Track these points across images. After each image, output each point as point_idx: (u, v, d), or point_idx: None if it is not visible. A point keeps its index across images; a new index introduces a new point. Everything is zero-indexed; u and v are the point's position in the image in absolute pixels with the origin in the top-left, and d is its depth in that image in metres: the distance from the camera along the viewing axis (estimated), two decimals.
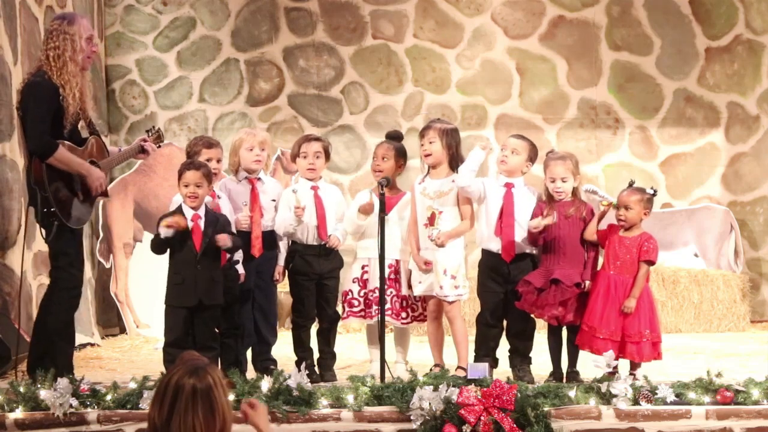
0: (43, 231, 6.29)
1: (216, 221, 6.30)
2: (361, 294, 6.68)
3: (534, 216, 6.44)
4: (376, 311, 6.46)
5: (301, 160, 6.73)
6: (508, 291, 6.51)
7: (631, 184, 6.41)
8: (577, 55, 10.25)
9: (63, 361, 6.27)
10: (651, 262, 6.27)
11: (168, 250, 6.28)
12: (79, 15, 6.58)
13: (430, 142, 6.59)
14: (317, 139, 6.80)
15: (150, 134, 6.71)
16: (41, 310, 6.40)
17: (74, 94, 6.25)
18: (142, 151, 6.62)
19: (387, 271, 6.52)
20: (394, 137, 6.82)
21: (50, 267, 6.38)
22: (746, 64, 10.21)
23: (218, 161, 6.63)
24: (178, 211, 6.29)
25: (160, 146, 6.81)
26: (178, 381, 3.55)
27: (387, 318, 6.54)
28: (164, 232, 6.16)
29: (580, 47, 10.25)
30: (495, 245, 6.54)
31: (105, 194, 6.54)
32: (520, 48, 10.27)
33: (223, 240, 6.20)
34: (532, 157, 6.61)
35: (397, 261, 6.67)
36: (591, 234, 6.33)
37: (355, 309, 6.70)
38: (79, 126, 6.47)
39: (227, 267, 6.43)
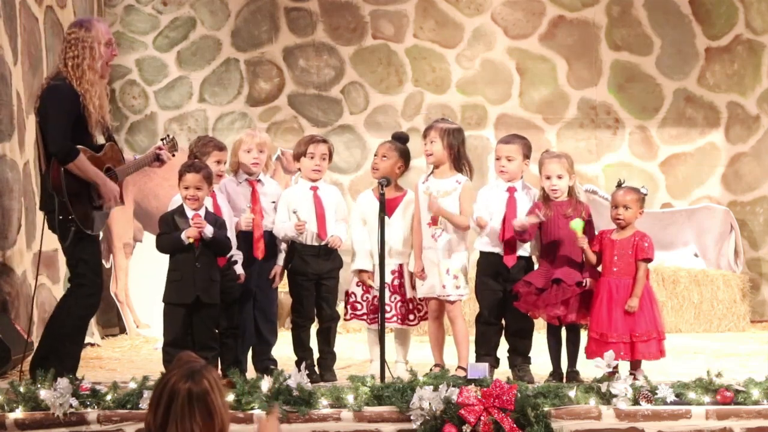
0: (60, 238, 6.25)
1: (215, 222, 6.31)
2: (364, 298, 6.70)
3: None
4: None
5: (307, 160, 6.72)
6: (506, 289, 6.51)
7: (620, 184, 6.40)
8: (577, 55, 10.25)
9: (69, 363, 6.27)
10: (649, 260, 6.27)
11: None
12: (96, 19, 6.53)
13: (432, 142, 6.60)
14: (324, 141, 6.81)
15: (165, 143, 6.68)
16: (58, 312, 6.37)
17: (95, 103, 6.20)
18: (157, 159, 6.60)
19: (390, 277, 6.56)
20: (399, 138, 6.82)
21: (70, 274, 6.36)
22: (746, 64, 10.21)
23: (225, 163, 6.67)
24: (179, 210, 6.30)
25: (174, 155, 6.79)
26: (174, 386, 3.50)
27: (395, 324, 6.59)
28: (187, 241, 6.22)
29: (580, 47, 10.25)
30: (496, 248, 6.54)
31: (120, 201, 6.53)
32: (520, 48, 10.27)
33: (204, 226, 6.20)
34: (527, 154, 6.62)
35: (400, 266, 6.68)
36: (593, 258, 6.32)
37: (359, 312, 6.72)
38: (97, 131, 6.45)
39: (226, 267, 6.44)
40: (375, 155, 6.80)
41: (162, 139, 6.74)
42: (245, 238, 6.60)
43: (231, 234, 6.49)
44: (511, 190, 6.57)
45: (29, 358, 6.43)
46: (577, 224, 6.23)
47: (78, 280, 6.31)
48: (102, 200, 6.26)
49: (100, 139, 6.49)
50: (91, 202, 6.24)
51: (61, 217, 6.13)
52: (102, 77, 6.31)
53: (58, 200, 6.12)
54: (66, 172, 6.11)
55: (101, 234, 9.19)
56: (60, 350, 6.24)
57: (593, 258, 6.30)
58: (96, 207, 6.27)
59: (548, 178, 6.44)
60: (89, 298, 6.34)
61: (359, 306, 6.71)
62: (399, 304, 6.64)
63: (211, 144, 6.67)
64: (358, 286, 6.73)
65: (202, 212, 6.31)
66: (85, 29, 6.24)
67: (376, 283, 6.51)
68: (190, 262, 6.24)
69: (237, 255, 6.53)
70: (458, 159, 6.60)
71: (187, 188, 6.29)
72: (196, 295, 6.24)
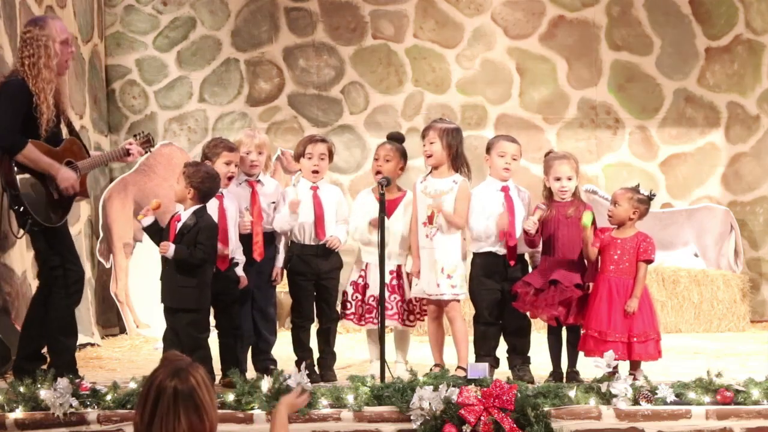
0: (18, 230, 6.23)
1: (197, 232, 6.07)
2: (355, 298, 6.69)
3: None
4: (376, 317, 6.48)
5: (305, 160, 6.72)
6: (504, 289, 6.51)
7: (651, 196, 6.39)
8: (577, 55, 10.25)
9: (66, 357, 6.26)
10: (650, 261, 6.27)
11: (159, 238, 6.17)
12: (51, 17, 6.47)
13: (431, 143, 6.60)
14: (323, 140, 6.80)
15: (138, 138, 6.63)
16: (42, 308, 6.35)
17: (48, 103, 6.13)
18: (127, 154, 6.52)
19: (389, 277, 6.54)
20: (396, 138, 6.82)
21: (46, 268, 6.33)
22: (746, 64, 10.21)
23: (236, 165, 6.56)
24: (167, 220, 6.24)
25: (149, 151, 6.76)
26: (160, 383, 3.48)
27: (394, 323, 6.60)
28: (144, 221, 6.15)
29: (580, 47, 10.25)
30: (494, 247, 6.55)
31: (84, 194, 6.48)
32: (520, 48, 10.27)
33: (163, 248, 6.03)
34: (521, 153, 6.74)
35: (399, 266, 6.68)
36: (593, 253, 6.30)
37: (348, 312, 6.71)
38: (61, 126, 6.41)
39: (227, 269, 6.41)
40: (375, 159, 6.76)
41: (135, 135, 6.69)
42: (243, 238, 6.58)
43: (234, 236, 6.47)
44: (506, 189, 6.59)
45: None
46: (587, 218, 6.22)
47: (54, 272, 6.28)
48: (59, 191, 6.20)
49: (65, 134, 6.45)
50: (49, 193, 6.18)
51: (17, 208, 6.11)
52: (60, 74, 6.26)
53: (11, 194, 6.09)
54: (18, 165, 6.07)
55: (101, 234, 9.27)
56: (55, 346, 6.24)
57: (594, 253, 6.29)
58: (55, 198, 6.20)
59: (558, 179, 6.43)
60: (68, 288, 6.31)
61: (349, 305, 6.71)
62: (399, 303, 6.63)
63: (221, 145, 6.55)
64: (350, 286, 6.73)
65: (188, 212, 6.13)
66: (39, 27, 6.18)
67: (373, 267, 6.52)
68: (162, 265, 6.15)
69: (239, 258, 6.51)
70: (456, 159, 6.61)
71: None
72: (162, 299, 6.16)
